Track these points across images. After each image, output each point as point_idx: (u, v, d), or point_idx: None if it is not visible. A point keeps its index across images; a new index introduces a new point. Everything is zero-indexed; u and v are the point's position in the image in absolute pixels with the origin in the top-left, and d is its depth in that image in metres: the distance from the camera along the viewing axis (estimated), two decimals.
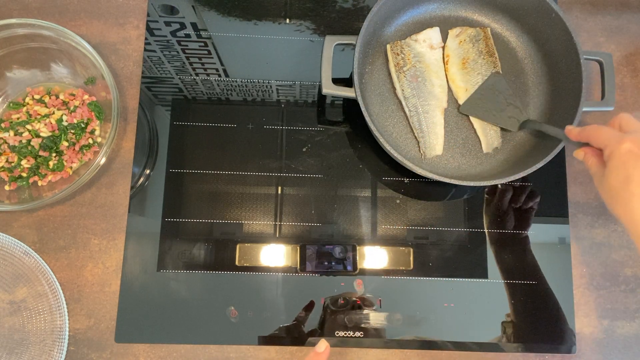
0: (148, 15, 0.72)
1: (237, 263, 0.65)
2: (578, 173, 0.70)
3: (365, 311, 0.64)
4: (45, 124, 0.63)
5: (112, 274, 0.64)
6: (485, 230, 0.68)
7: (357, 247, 0.66)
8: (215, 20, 0.73)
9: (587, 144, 0.53)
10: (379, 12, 0.64)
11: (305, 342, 0.63)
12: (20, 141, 0.63)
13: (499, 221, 0.68)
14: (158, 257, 0.65)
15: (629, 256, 0.68)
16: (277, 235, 0.67)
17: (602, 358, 0.65)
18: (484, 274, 0.67)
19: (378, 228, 0.68)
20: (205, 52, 0.72)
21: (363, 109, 0.61)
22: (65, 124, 0.64)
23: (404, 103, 0.67)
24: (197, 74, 0.71)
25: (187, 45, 0.72)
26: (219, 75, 0.71)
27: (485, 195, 0.69)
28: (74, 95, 0.67)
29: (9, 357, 0.61)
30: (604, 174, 0.50)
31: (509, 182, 0.66)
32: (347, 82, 0.66)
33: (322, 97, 0.71)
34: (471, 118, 0.68)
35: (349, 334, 0.64)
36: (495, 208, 0.68)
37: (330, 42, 0.63)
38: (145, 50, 0.71)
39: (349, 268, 0.66)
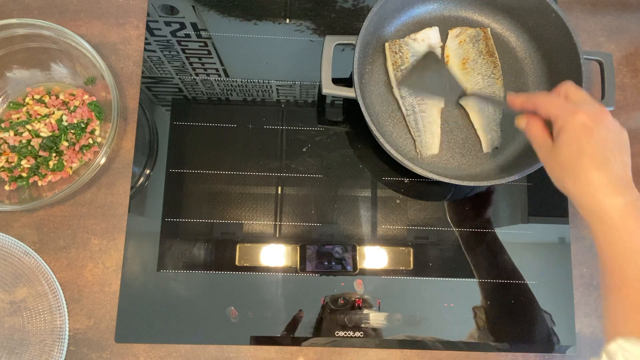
0: (148, 15, 0.72)
1: (237, 263, 0.65)
2: None
3: (365, 311, 0.64)
4: (45, 124, 0.63)
5: (112, 274, 0.64)
6: (454, 229, 0.68)
7: (357, 247, 0.66)
8: (215, 20, 0.73)
9: (531, 114, 0.52)
10: (379, 12, 0.64)
11: (305, 343, 0.63)
12: (20, 141, 0.63)
13: (462, 219, 0.68)
14: (158, 257, 0.65)
15: None
16: (277, 235, 0.67)
17: None
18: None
19: (378, 228, 0.68)
20: (205, 52, 0.72)
21: (363, 109, 0.61)
22: (65, 124, 0.64)
23: (400, 102, 0.67)
24: (197, 74, 0.71)
25: (187, 45, 0.72)
26: (219, 75, 0.71)
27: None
28: (74, 95, 0.67)
29: (9, 357, 0.61)
30: (551, 146, 0.49)
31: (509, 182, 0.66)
32: (347, 82, 0.66)
33: (322, 97, 0.71)
34: (471, 118, 0.68)
35: (349, 333, 0.64)
36: (453, 206, 0.69)
37: (330, 42, 0.63)
38: (145, 50, 0.71)
39: (349, 268, 0.66)
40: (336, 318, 0.64)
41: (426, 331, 0.64)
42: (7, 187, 0.64)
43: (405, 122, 0.68)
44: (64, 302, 0.63)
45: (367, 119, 0.61)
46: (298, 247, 0.66)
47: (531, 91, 0.69)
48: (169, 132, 0.69)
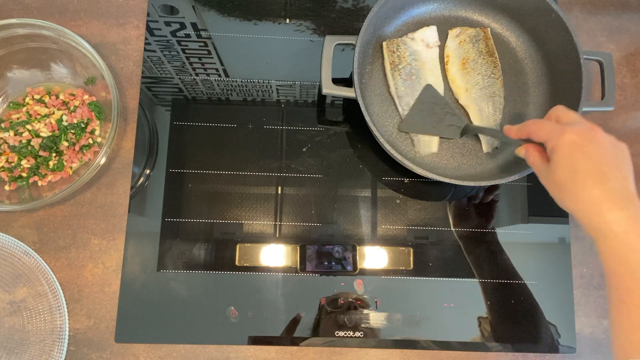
0: (148, 15, 0.72)
1: (237, 263, 0.65)
2: None
3: (365, 311, 0.64)
4: (45, 124, 0.63)
5: (112, 274, 0.64)
6: (452, 229, 0.68)
7: (357, 247, 0.66)
8: (215, 20, 0.73)
9: (528, 141, 0.52)
10: (379, 12, 0.64)
11: (305, 343, 0.63)
12: (20, 141, 0.63)
13: (463, 218, 0.68)
14: (158, 257, 0.65)
15: None
16: (277, 235, 0.67)
17: (602, 358, 0.65)
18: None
19: (378, 228, 0.68)
20: (205, 52, 0.72)
21: (363, 109, 0.61)
22: (65, 124, 0.64)
23: (397, 101, 0.67)
24: (197, 74, 0.71)
25: (187, 45, 0.72)
26: (219, 75, 0.71)
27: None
28: (74, 95, 0.67)
29: (9, 357, 0.61)
30: (548, 168, 0.49)
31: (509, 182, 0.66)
32: (347, 82, 0.66)
33: (322, 97, 0.71)
34: (471, 117, 0.68)
35: (348, 334, 0.64)
36: (456, 205, 0.68)
37: (330, 42, 0.63)
38: (145, 50, 0.71)
39: (349, 268, 0.66)
40: (336, 318, 0.64)
41: (426, 331, 0.64)
42: (7, 187, 0.64)
43: None
44: (64, 302, 0.63)
45: (367, 119, 0.61)
46: (298, 247, 0.66)
47: (531, 91, 0.69)
48: (169, 132, 0.69)
